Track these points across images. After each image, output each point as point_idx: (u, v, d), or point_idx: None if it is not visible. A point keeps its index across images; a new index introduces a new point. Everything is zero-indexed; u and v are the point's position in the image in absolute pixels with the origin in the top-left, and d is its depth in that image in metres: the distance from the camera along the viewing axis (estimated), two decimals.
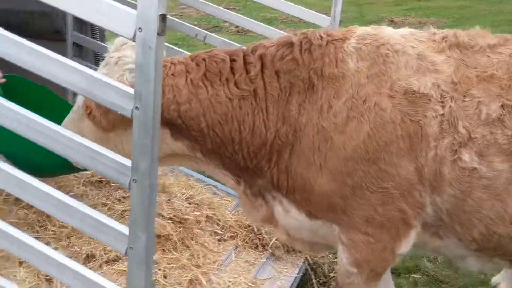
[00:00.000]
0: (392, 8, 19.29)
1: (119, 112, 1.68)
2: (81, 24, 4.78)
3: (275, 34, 3.81)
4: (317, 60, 2.35)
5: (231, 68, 2.39)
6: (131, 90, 1.64)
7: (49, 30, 4.77)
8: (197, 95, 2.34)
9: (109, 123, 2.43)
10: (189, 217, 3.54)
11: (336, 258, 3.09)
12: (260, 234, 3.71)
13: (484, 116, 2.22)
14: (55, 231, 3.21)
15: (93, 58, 4.95)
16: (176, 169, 4.27)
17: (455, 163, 2.23)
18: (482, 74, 2.29)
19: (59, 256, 1.89)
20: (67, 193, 3.60)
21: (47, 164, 2.90)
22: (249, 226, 3.75)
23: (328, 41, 2.39)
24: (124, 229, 1.75)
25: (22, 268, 2.83)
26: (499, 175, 2.22)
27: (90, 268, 2.92)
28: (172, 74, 2.36)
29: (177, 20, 4.46)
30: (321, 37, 2.41)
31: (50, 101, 3.08)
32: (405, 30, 2.50)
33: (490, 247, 2.36)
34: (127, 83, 2.23)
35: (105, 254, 3.01)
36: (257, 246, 3.69)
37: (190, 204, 3.82)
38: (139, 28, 1.58)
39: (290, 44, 2.40)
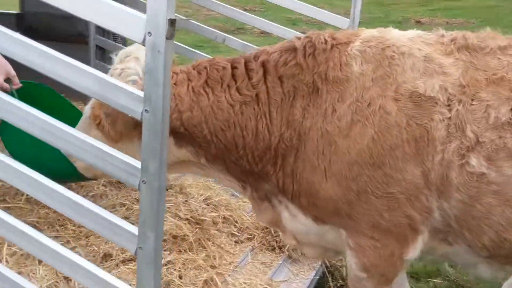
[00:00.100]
0: (418, 9, 19.07)
1: (129, 115, 1.71)
2: (104, 28, 4.87)
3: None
4: (321, 64, 2.34)
5: (233, 75, 2.40)
6: (140, 93, 1.67)
7: (73, 33, 4.90)
8: (198, 102, 2.36)
9: (116, 133, 2.46)
10: (205, 218, 3.57)
11: None
12: (277, 236, 3.70)
13: (493, 120, 2.18)
14: (74, 230, 3.28)
15: None
16: None
17: (462, 168, 2.18)
18: (492, 76, 2.24)
19: (72, 256, 1.93)
20: (87, 193, 3.72)
21: (54, 173, 2.97)
22: (266, 228, 3.75)
23: (333, 45, 2.38)
24: (134, 229, 1.78)
25: (41, 266, 2.89)
26: (509, 180, 2.17)
27: (106, 267, 3.01)
28: (175, 83, 2.38)
29: (196, 23, 4.50)
30: (326, 41, 2.39)
31: (63, 108, 3.13)
32: (412, 32, 2.46)
33: (502, 254, 2.30)
34: None
35: (122, 253, 3.05)
36: (274, 248, 3.69)
37: (207, 205, 3.85)
38: (149, 33, 1.60)
39: (293, 50, 2.40)
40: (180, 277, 3.03)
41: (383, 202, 2.25)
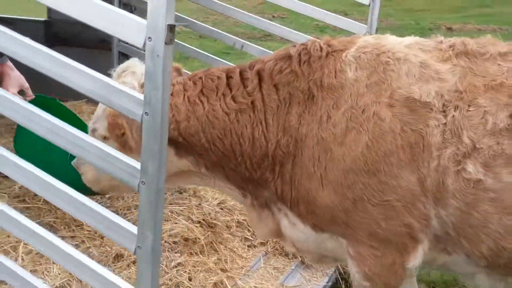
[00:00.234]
0: (450, 15, 18.79)
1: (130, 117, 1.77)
2: None
3: None
4: (316, 71, 2.33)
5: (228, 84, 2.42)
6: (141, 96, 1.72)
7: (96, 40, 5.03)
8: (194, 112, 2.39)
9: (137, 143, 2.41)
10: (217, 222, 3.60)
11: None
12: None
13: (491, 126, 2.13)
14: (90, 231, 3.36)
15: None
16: None
17: (459, 174, 2.14)
18: (491, 82, 2.20)
19: (78, 254, 1.99)
20: (104, 195, 3.81)
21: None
22: None
23: (328, 52, 2.38)
24: (133, 229, 1.83)
25: (55, 265, 2.98)
26: (507, 187, 2.11)
27: (118, 267, 3.08)
28: (171, 94, 2.39)
29: (216, 30, 4.57)
30: (321, 48, 2.39)
31: (70, 122, 3.23)
32: (410, 39, 2.44)
33: (501, 263, 2.24)
34: None
35: (133, 254, 3.10)
36: (287, 253, 3.69)
37: (221, 209, 3.89)
38: (149, 38, 1.65)
39: (288, 57, 2.40)
40: (190, 279, 3.07)
41: (380, 211, 2.22)
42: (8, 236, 3.15)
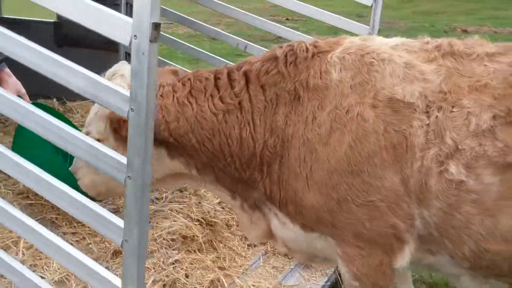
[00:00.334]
0: (465, 18, 18.61)
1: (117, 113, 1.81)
2: None
3: None
4: (302, 72, 2.35)
5: (216, 85, 2.44)
6: (127, 93, 1.77)
7: (104, 41, 5.06)
8: (183, 113, 2.41)
9: None
10: (217, 220, 3.63)
11: None
12: None
13: (473, 127, 2.12)
14: (90, 227, 3.41)
15: None
16: None
17: (441, 175, 2.14)
18: (475, 83, 2.18)
19: (68, 247, 2.04)
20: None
21: None
22: None
23: (314, 53, 2.39)
24: (121, 223, 1.87)
25: (54, 260, 3.03)
26: (489, 188, 2.10)
27: (116, 263, 3.13)
28: (161, 95, 2.44)
29: (221, 31, 4.62)
30: (307, 49, 2.41)
31: None
32: (396, 40, 2.44)
33: (483, 265, 2.23)
34: None
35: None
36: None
37: (222, 208, 3.91)
38: (135, 36, 1.70)
39: (275, 59, 2.42)
40: (187, 276, 3.11)
41: (364, 211, 2.23)
42: (10, 232, 3.22)
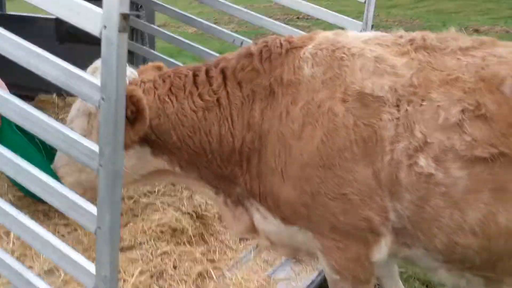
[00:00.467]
0: (479, 17, 18.43)
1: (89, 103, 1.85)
2: (132, 32, 5.11)
3: None
4: (277, 68, 2.38)
5: (195, 82, 2.48)
6: (98, 82, 1.80)
7: None
8: (164, 110, 2.45)
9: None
10: (208, 214, 3.66)
11: None
12: None
13: (442, 121, 2.12)
14: None
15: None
16: None
17: (411, 168, 2.14)
18: (447, 77, 2.18)
19: (44, 232, 2.08)
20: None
21: None
22: None
23: (288, 49, 2.42)
24: (94, 210, 1.90)
25: None
26: (457, 182, 2.11)
27: None
28: (142, 92, 2.44)
29: (216, 27, 4.64)
30: (281, 45, 2.43)
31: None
32: (368, 34, 2.46)
33: (456, 259, 2.24)
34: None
35: (120, 242, 3.20)
36: None
37: None
38: (104, 26, 1.74)
39: (250, 55, 2.45)
40: (175, 267, 3.14)
41: (337, 204, 2.24)
42: None
